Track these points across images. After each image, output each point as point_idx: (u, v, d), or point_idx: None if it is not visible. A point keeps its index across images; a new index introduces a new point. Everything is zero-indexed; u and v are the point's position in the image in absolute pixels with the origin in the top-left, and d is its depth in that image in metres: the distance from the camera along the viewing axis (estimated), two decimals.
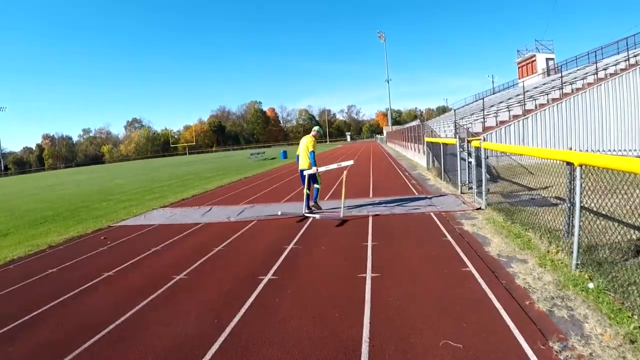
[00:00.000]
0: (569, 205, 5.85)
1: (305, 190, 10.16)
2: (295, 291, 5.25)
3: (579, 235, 5.13)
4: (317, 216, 9.85)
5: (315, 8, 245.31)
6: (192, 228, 9.75)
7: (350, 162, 10.59)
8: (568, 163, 5.59)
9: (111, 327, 4.61)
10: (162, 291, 5.63)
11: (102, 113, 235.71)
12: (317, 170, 10.06)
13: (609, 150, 17.95)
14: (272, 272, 6.07)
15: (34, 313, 5.22)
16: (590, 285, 4.57)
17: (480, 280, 5.13)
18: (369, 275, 5.61)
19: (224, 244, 8.00)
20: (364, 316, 4.35)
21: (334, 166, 10.78)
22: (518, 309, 4.26)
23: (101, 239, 9.35)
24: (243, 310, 4.77)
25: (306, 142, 10.20)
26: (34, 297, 5.83)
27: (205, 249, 7.69)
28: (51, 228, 11.58)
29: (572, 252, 5.23)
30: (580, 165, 5.03)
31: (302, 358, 3.65)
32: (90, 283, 6.25)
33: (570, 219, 5.88)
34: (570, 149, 5.75)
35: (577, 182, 5.07)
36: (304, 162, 10.20)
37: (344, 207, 9.99)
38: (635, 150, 19.47)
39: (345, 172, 10.56)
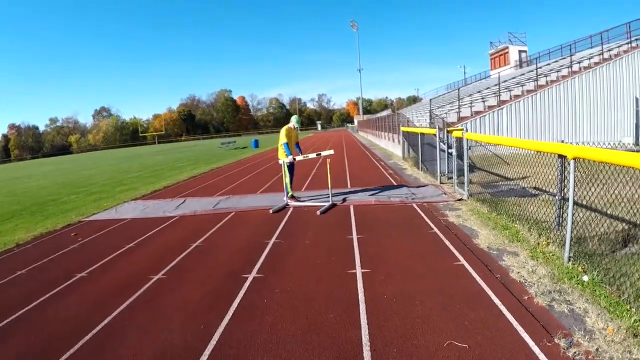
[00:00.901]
0: (559, 197, 5.77)
1: (285, 181, 10.32)
2: (283, 290, 4.96)
3: (572, 228, 5.04)
4: (305, 204, 10.05)
5: None
6: (166, 222, 9.34)
7: (331, 152, 10.65)
8: (560, 156, 5.51)
9: (87, 337, 4.21)
10: (141, 294, 5.25)
11: (69, 102, 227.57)
12: (293, 159, 10.26)
13: (582, 143, 18.20)
14: (256, 269, 5.76)
15: (2, 323, 4.77)
16: (585, 278, 4.52)
17: (474, 274, 4.98)
18: (359, 271, 5.38)
19: (202, 238, 7.65)
20: (360, 317, 4.11)
21: (312, 155, 10.77)
22: (517, 304, 4.13)
23: (72, 236, 8.83)
24: (230, 313, 4.45)
25: (282, 133, 10.37)
26: (1, 304, 5.35)
27: (183, 244, 7.32)
28: (18, 224, 10.93)
29: (564, 244, 5.17)
30: (575, 159, 4.92)
31: None
32: (63, 286, 5.78)
33: (561, 211, 5.83)
34: (562, 141, 5.62)
35: (571, 176, 4.98)
36: (281, 153, 10.48)
37: (322, 196, 10.50)
38: (606, 143, 19.77)
39: (329, 160, 10.37)
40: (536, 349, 3.34)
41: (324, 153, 10.38)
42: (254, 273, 5.61)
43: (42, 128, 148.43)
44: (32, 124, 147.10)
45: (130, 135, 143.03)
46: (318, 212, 9.08)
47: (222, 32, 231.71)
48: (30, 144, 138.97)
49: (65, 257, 7.34)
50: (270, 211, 9.60)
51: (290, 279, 5.32)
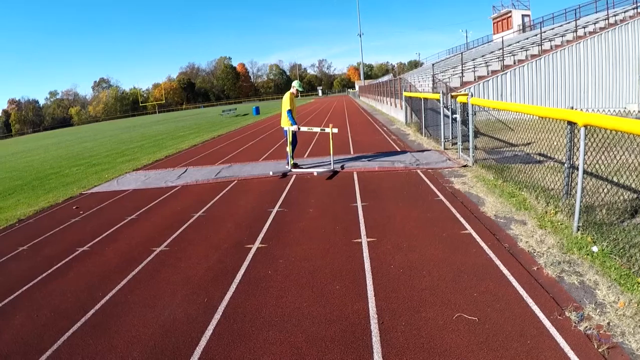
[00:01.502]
0: (568, 165, 5.63)
1: (287, 149, 10.26)
2: (287, 261, 4.88)
3: (582, 197, 4.91)
4: (316, 170, 9.92)
5: None
6: (168, 192, 9.25)
7: (335, 130, 10.47)
8: (570, 123, 5.35)
9: (91, 313, 4.15)
10: (143, 267, 5.18)
11: (68, 74, 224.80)
12: (297, 128, 10.10)
13: (587, 109, 18.00)
14: (259, 239, 5.68)
15: (5, 301, 4.69)
16: (594, 248, 4.41)
17: (482, 243, 4.88)
18: (364, 240, 5.29)
19: (204, 208, 7.56)
20: (367, 288, 4.03)
21: (315, 129, 10.85)
22: (527, 275, 4.03)
23: (73, 209, 8.75)
24: (234, 286, 4.37)
25: (283, 101, 10.22)
26: (3, 281, 5.28)
27: (185, 215, 7.24)
28: (20, 199, 10.84)
29: (573, 214, 5.04)
30: (585, 126, 4.76)
31: (307, 340, 3.31)
32: (65, 261, 5.72)
33: (569, 180, 5.69)
34: (572, 108, 5.45)
35: (582, 143, 4.81)
36: (283, 120, 10.24)
37: (324, 163, 10.55)
38: (612, 110, 19.52)
39: (331, 126, 10.27)
40: (547, 323, 3.26)
41: (327, 129, 10.19)
42: (257, 243, 5.53)
43: (42, 102, 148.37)
44: (32, 98, 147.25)
45: (131, 105, 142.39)
46: (315, 173, 9.55)
47: None
48: (31, 118, 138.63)
49: (67, 231, 7.25)
50: (270, 172, 9.92)
51: (295, 249, 5.24)
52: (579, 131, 5.07)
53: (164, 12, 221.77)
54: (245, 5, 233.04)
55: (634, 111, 19.92)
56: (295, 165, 10.43)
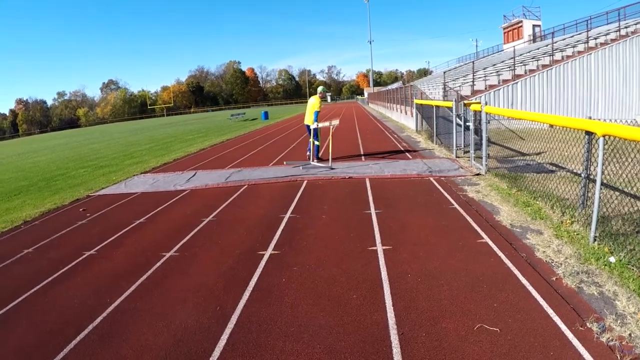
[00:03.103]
0: (585, 175, 5.55)
1: (311, 140, 11.90)
2: (302, 269, 4.80)
3: (599, 208, 4.84)
4: (314, 164, 11.46)
5: None
6: (177, 196, 9.20)
7: (336, 122, 11.98)
8: (588, 132, 5.29)
9: (98, 320, 4.04)
10: (152, 272, 5.09)
11: (77, 75, 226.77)
12: (317, 125, 11.57)
13: (598, 119, 18.01)
14: (272, 246, 5.60)
15: (8, 307, 4.57)
16: (612, 259, 4.36)
17: (499, 253, 4.80)
18: (380, 248, 5.21)
19: (214, 213, 7.51)
20: (384, 297, 3.95)
21: (326, 124, 11.90)
22: (546, 285, 3.96)
23: (80, 211, 8.68)
24: (247, 294, 4.29)
25: (312, 103, 11.86)
26: (7, 285, 5.17)
27: (195, 219, 7.18)
28: (26, 200, 10.81)
29: (590, 224, 4.99)
30: (604, 136, 4.70)
31: (325, 351, 3.23)
32: (71, 265, 5.63)
33: (586, 190, 5.61)
34: (590, 117, 5.39)
35: (600, 154, 4.77)
36: (308, 118, 11.91)
37: (336, 168, 10.97)
38: (620, 120, 19.41)
39: (332, 130, 11.85)
40: (569, 334, 3.19)
41: (333, 122, 11.79)
42: (270, 250, 5.45)
43: (49, 102, 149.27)
44: (40, 98, 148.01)
45: (139, 107, 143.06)
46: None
47: (231, 3, 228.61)
48: (39, 119, 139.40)
49: (74, 234, 7.18)
50: (285, 163, 11.90)
51: (309, 256, 5.16)
52: (596, 141, 5.02)
53: (174, 15, 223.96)
54: (255, 10, 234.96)
55: None
56: (319, 159, 12.07)
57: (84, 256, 5.91)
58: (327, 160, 11.51)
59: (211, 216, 7.32)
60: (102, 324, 3.96)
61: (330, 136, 11.84)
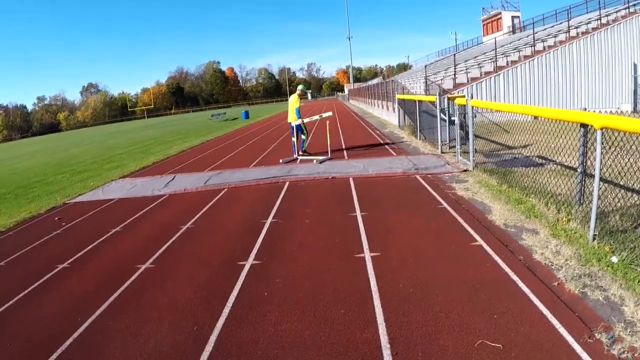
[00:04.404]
0: (581, 170, 5.32)
1: (293, 139, 12.65)
2: (285, 281, 4.45)
3: (598, 205, 4.61)
4: (317, 158, 11.86)
5: None
6: (155, 201, 8.80)
7: (329, 114, 13.18)
8: (583, 125, 5.05)
9: (69, 342, 3.68)
10: (127, 287, 4.72)
11: (56, 79, 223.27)
12: (301, 121, 12.20)
13: (581, 109, 18.14)
14: (253, 255, 5.25)
15: None
16: (614, 259, 4.13)
17: (495, 257, 4.53)
18: (367, 255, 4.89)
19: (193, 219, 7.13)
20: (375, 311, 3.63)
21: (316, 117, 13.42)
22: (548, 292, 3.69)
23: (56, 220, 8.28)
24: (226, 310, 3.93)
25: (292, 101, 12.39)
26: None
27: (172, 227, 6.79)
28: (1, 209, 10.34)
29: (588, 222, 4.78)
30: (602, 129, 4.45)
31: None
32: (43, 279, 5.25)
33: (582, 186, 5.38)
34: (585, 109, 5.16)
35: (598, 147, 4.52)
36: (290, 116, 12.35)
37: (320, 161, 11.55)
38: (604, 110, 19.55)
39: (327, 122, 13.10)
40: (578, 348, 2.92)
41: (324, 115, 13.12)
42: (251, 260, 5.10)
43: (30, 107, 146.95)
44: (20, 103, 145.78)
45: (119, 110, 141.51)
46: (314, 161, 11.52)
47: (208, 3, 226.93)
48: (19, 124, 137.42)
49: (48, 245, 6.80)
50: (280, 161, 12.06)
51: (292, 266, 4.82)
52: (592, 135, 4.81)
53: (152, 17, 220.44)
54: (234, 9, 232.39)
55: (627, 111, 19.90)
56: (304, 152, 12.70)
57: (57, 269, 5.55)
58: (317, 153, 12.69)
59: (189, 223, 6.95)
60: (73, 347, 3.63)
61: (327, 129, 12.82)
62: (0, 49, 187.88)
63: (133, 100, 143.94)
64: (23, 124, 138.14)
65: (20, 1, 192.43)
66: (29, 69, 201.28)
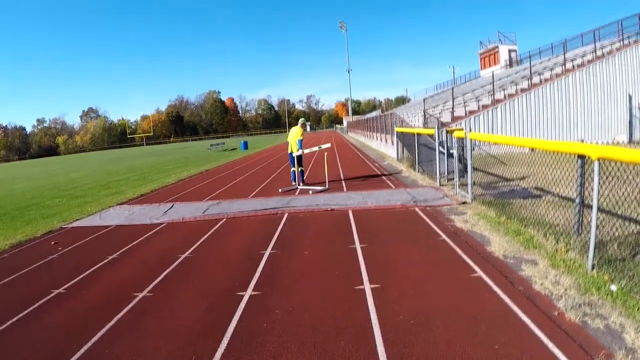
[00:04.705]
0: (579, 201, 5.37)
1: (293, 169, 13.12)
2: (285, 312, 4.40)
3: (596, 234, 4.65)
4: (314, 188, 12.30)
5: None
6: (153, 229, 8.77)
7: (328, 145, 13.77)
8: (580, 156, 5.12)
9: None
10: (123, 315, 4.66)
11: (56, 102, 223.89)
12: (302, 152, 12.72)
13: (579, 140, 18.24)
14: (252, 285, 5.21)
15: None
16: (613, 287, 4.17)
17: (495, 288, 4.52)
18: (367, 287, 4.86)
19: (192, 249, 7.10)
20: (376, 343, 3.59)
21: (315, 149, 13.87)
22: (549, 322, 3.70)
23: (52, 244, 8.23)
24: (225, 341, 3.87)
25: (295, 132, 12.85)
26: None
27: (170, 256, 6.76)
28: None
29: (586, 251, 4.83)
30: (599, 159, 4.52)
31: None
32: (38, 304, 5.19)
33: (580, 216, 5.42)
34: (582, 141, 5.24)
35: (595, 178, 4.62)
36: (293, 148, 12.78)
37: (317, 191, 12.00)
38: (600, 141, 19.74)
39: (325, 153, 14.26)
40: None
41: (323, 146, 13.50)
42: (250, 290, 5.06)
43: (29, 129, 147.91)
44: (20, 124, 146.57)
45: (118, 136, 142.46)
46: (310, 192, 11.90)
47: (210, 33, 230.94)
48: (17, 145, 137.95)
49: (43, 269, 6.74)
50: (280, 189, 12.64)
51: (292, 297, 4.78)
52: (589, 165, 4.87)
53: (155, 44, 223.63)
54: (235, 39, 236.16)
55: (623, 142, 20.11)
56: (304, 183, 13.07)
57: (52, 294, 5.49)
58: (315, 184, 12.97)
59: (188, 252, 6.92)
60: None
61: (325, 160, 13.63)
62: (2, 67, 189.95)
63: (132, 127, 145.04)
64: (21, 146, 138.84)
65: (22, 21, 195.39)
66: (30, 90, 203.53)
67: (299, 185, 12.91)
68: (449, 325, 3.79)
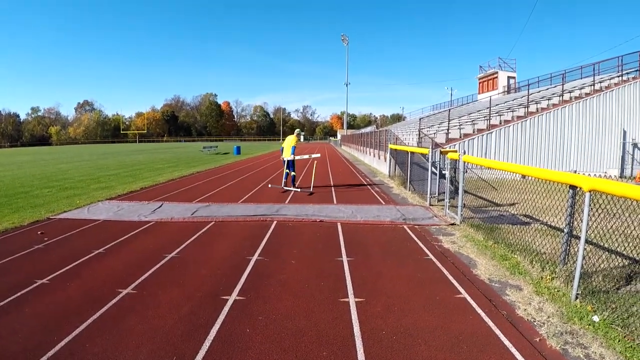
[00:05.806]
0: (568, 231, 5.43)
1: (286, 171, 14.43)
2: (268, 319, 4.39)
3: (582, 265, 4.71)
4: (299, 189, 14.20)
5: (276, 3, 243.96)
6: (141, 227, 8.71)
7: (318, 155, 15.99)
8: (572, 187, 5.17)
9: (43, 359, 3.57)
10: (106, 310, 4.62)
11: (52, 92, 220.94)
12: (294, 157, 14.22)
13: (571, 172, 18.49)
14: (237, 290, 5.19)
15: None
16: (596, 318, 4.23)
17: (478, 310, 4.56)
18: (352, 300, 4.88)
19: (179, 249, 7.07)
20: (357, 357, 3.60)
21: (306, 156, 16.33)
22: (530, 347, 3.74)
23: (38, 234, 8.13)
24: (207, 343, 3.85)
25: (290, 140, 14.32)
26: None
27: (157, 254, 6.72)
28: None
29: (571, 281, 4.90)
30: (590, 191, 4.59)
31: None
32: (20, 294, 5.11)
33: (567, 246, 5.49)
34: (575, 171, 5.32)
35: (586, 209, 4.68)
36: (286, 153, 14.17)
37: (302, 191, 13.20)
38: (592, 173, 19.93)
39: (315, 163, 18.18)
40: None
41: (313, 155, 15.67)
42: (234, 295, 5.04)
43: (23, 116, 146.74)
44: (13, 111, 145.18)
45: (112, 131, 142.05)
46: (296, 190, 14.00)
47: (211, 36, 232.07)
48: (10, 132, 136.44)
49: (28, 258, 6.64)
50: (269, 185, 15.10)
51: (276, 305, 4.77)
52: (580, 196, 4.94)
53: (155, 42, 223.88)
54: (236, 43, 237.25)
55: (615, 176, 20.32)
56: (294, 185, 14.44)
57: (35, 285, 5.42)
58: (307, 187, 14.53)
59: (174, 252, 6.88)
60: None
61: (314, 167, 16.94)
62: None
63: (127, 122, 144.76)
64: (14, 133, 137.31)
65: (23, 12, 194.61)
66: (26, 78, 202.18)
67: (286, 187, 14.41)
68: (431, 344, 3.81)
